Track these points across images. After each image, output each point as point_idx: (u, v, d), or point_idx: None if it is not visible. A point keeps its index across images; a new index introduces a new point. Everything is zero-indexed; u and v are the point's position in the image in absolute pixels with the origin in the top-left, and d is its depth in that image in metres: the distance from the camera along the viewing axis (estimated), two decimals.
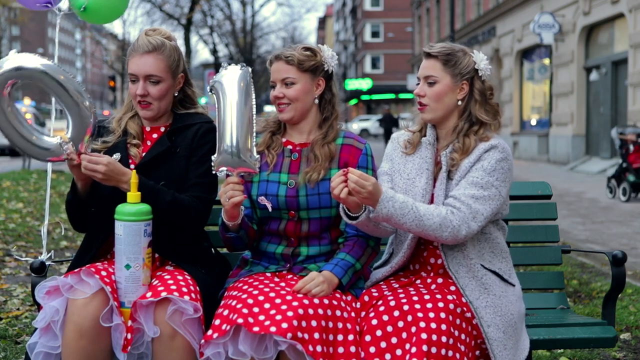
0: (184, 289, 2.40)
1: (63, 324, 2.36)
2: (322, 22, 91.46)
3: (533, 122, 16.93)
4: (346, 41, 70.86)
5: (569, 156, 18.74)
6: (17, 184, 12.51)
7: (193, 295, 2.40)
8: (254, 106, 2.41)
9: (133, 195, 2.43)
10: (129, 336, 2.34)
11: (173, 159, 2.60)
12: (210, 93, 2.44)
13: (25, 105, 29.04)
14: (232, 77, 2.40)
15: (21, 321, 4.26)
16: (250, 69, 2.46)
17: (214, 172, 2.41)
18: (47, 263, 2.69)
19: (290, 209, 2.57)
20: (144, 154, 2.64)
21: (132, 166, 2.60)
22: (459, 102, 2.55)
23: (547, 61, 21.35)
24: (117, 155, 2.54)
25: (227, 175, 2.40)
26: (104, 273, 2.41)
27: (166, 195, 2.52)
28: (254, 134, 2.40)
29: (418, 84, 2.59)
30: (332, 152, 2.61)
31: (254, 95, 2.42)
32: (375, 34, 61.75)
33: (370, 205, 2.35)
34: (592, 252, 3.52)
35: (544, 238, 3.07)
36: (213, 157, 2.39)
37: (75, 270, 2.41)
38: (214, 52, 35.13)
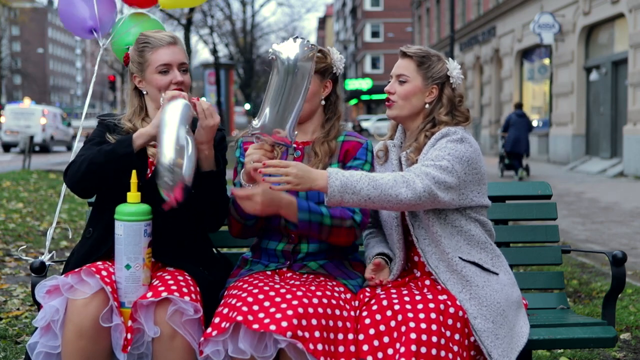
0: (185, 289, 2.40)
1: (63, 323, 2.36)
2: (322, 22, 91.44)
3: (535, 124, 17.39)
4: (346, 41, 70.84)
5: (569, 156, 18.74)
6: (17, 184, 12.52)
7: (193, 296, 2.40)
8: (309, 85, 2.36)
9: (133, 195, 2.44)
10: (128, 336, 2.34)
11: None
12: (270, 59, 2.36)
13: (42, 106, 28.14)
14: (292, 51, 2.32)
15: (21, 321, 4.27)
16: (317, 49, 2.37)
17: (250, 134, 2.40)
18: (47, 263, 2.70)
19: None
20: None
21: (153, 167, 2.60)
22: (427, 105, 2.60)
23: (547, 61, 21.35)
24: None
25: (259, 139, 2.39)
26: (104, 273, 2.41)
27: (223, 180, 2.58)
28: (299, 113, 2.36)
29: (389, 81, 2.64)
30: (332, 149, 2.63)
31: (311, 75, 2.36)
32: (375, 34, 61.75)
33: (319, 190, 2.33)
34: (592, 252, 3.51)
35: (544, 238, 3.07)
36: (254, 122, 2.37)
37: (76, 269, 2.42)
38: (214, 52, 35.08)
